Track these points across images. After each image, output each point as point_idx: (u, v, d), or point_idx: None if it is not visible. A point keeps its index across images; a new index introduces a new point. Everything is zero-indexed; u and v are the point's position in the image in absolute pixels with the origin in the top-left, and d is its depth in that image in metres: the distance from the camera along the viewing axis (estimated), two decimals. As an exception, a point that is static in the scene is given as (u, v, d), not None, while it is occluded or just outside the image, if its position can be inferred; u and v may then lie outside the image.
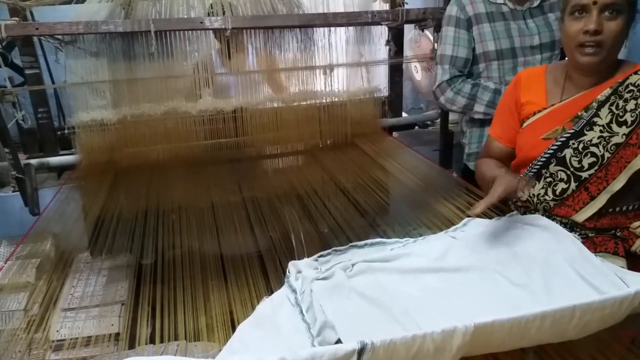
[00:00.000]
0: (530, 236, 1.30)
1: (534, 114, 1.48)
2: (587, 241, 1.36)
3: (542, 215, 1.40)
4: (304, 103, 2.33)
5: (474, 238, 1.33)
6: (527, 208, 1.48)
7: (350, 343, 0.82)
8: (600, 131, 1.35)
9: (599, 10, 1.29)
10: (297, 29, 2.23)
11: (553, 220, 1.36)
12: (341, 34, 2.32)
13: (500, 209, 1.48)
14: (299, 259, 1.28)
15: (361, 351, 0.82)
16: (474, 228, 1.39)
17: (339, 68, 2.34)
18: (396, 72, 2.54)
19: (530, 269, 1.17)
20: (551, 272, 1.15)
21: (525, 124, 1.50)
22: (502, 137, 1.59)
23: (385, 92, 2.53)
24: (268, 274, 1.53)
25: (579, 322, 0.94)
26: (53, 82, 2.81)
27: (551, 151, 1.41)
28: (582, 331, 0.98)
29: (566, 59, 1.47)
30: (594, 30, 1.29)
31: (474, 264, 1.22)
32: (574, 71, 1.43)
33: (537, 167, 1.43)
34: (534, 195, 1.45)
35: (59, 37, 2.02)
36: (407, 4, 2.31)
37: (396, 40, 2.44)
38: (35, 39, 2.07)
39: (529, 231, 1.32)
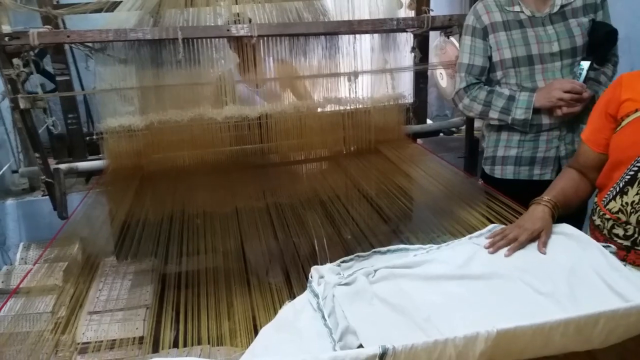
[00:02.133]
0: (556, 244, 1.28)
1: (636, 111, 1.33)
2: None
3: (635, 228, 1.31)
4: (328, 110, 2.33)
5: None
6: (618, 220, 1.35)
7: (371, 347, 0.82)
8: None
9: None
10: (322, 36, 2.24)
11: None
12: (366, 41, 2.32)
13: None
14: (322, 264, 1.28)
15: (382, 356, 0.81)
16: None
17: (364, 75, 2.34)
18: (421, 79, 2.53)
19: (555, 277, 1.15)
20: (577, 281, 1.13)
21: (624, 122, 1.36)
22: (590, 139, 1.48)
23: (410, 98, 2.52)
24: (291, 279, 1.53)
25: (604, 330, 0.92)
26: (83, 89, 2.87)
27: None
28: (607, 339, 0.96)
29: None
30: None
31: (498, 271, 1.20)
32: None
33: (634, 170, 1.29)
34: (627, 204, 1.32)
35: (89, 44, 2.06)
36: (432, 10, 2.30)
37: (421, 47, 2.43)
38: (66, 46, 2.13)
39: (554, 239, 1.30)
